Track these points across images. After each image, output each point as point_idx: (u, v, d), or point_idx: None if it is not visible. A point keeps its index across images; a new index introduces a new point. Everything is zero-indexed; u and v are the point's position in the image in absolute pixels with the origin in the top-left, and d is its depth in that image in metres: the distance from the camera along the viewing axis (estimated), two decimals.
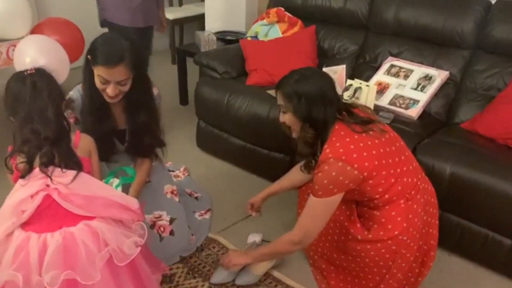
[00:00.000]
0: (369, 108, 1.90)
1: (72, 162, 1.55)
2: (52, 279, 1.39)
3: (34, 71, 1.59)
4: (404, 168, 1.75)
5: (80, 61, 1.95)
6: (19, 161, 1.53)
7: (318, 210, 1.75)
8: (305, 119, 1.72)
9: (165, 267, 1.97)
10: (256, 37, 3.31)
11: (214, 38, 3.52)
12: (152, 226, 2.11)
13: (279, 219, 2.38)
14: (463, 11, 2.62)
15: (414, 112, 2.53)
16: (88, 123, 1.97)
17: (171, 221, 2.15)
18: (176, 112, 3.71)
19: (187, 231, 2.22)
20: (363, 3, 2.97)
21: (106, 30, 2.92)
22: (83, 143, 1.65)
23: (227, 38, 3.62)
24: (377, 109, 2.57)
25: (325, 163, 1.65)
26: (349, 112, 1.75)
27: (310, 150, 1.81)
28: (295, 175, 2.13)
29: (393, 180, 1.71)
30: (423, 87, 2.60)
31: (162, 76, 3.47)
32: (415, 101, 2.56)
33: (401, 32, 2.84)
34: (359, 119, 1.74)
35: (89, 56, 1.86)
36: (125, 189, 2.05)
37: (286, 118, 1.78)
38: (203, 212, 2.48)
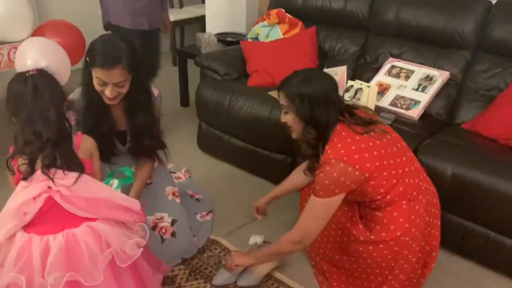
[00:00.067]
0: (370, 109, 1.90)
1: (74, 164, 1.55)
2: (55, 280, 1.39)
3: (35, 72, 1.58)
4: (406, 169, 1.75)
5: (81, 63, 1.95)
6: (21, 162, 1.53)
7: (319, 210, 1.75)
8: (308, 120, 1.72)
9: (166, 267, 1.97)
10: (256, 38, 3.31)
11: (215, 39, 3.52)
12: (154, 227, 2.11)
13: (280, 220, 2.38)
14: (464, 12, 2.62)
15: (415, 113, 2.52)
16: (88, 125, 1.97)
17: (173, 222, 2.15)
18: (177, 114, 3.72)
19: (188, 233, 2.22)
20: (364, 4, 2.97)
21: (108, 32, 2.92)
22: (84, 145, 1.65)
23: (228, 40, 3.62)
24: (378, 110, 2.57)
25: (327, 164, 1.65)
26: (350, 113, 1.75)
27: (313, 152, 1.81)
28: (297, 177, 2.14)
29: (394, 181, 1.71)
30: (424, 87, 2.60)
31: (163, 78, 3.47)
32: (416, 102, 2.56)
33: (401, 33, 2.84)
34: (361, 120, 1.74)
35: (87, 58, 1.86)
36: (125, 190, 2.05)
37: (288, 118, 1.78)
38: (204, 213, 2.48)
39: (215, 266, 2.15)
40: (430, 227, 1.86)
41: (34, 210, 1.48)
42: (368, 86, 2.55)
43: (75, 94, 2.00)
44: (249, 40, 3.32)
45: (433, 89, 2.58)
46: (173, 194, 2.25)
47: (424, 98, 2.56)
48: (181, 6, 5.04)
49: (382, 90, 2.67)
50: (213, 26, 3.92)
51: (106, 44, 1.84)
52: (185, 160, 3.00)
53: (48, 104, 1.54)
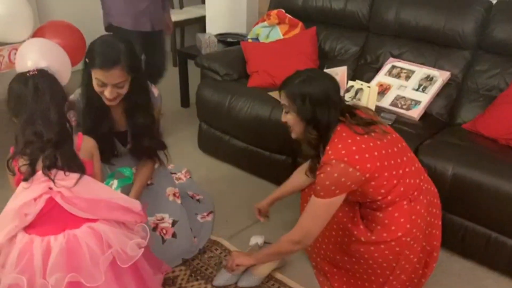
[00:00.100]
0: (370, 110, 1.90)
1: (75, 165, 1.55)
2: (57, 281, 1.39)
3: (36, 72, 1.58)
4: (407, 169, 1.75)
5: (81, 64, 1.95)
6: (22, 163, 1.53)
7: (320, 211, 1.75)
8: (309, 121, 1.72)
9: (167, 268, 1.97)
10: (257, 39, 3.31)
11: (215, 40, 3.52)
12: (154, 228, 2.11)
13: (281, 221, 2.38)
14: (464, 12, 2.62)
15: (415, 113, 2.52)
16: (88, 126, 1.97)
17: (173, 223, 2.15)
18: (177, 115, 3.72)
19: (189, 234, 2.22)
20: (364, 4, 2.97)
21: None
22: (85, 146, 1.64)
23: (228, 40, 3.62)
24: (379, 110, 2.57)
25: (327, 164, 1.65)
26: (351, 114, 1.75)
27: (314, 152, 1.81)
28: (298, 178, 2.14)
29: (395, 181, 1.71)
30: (425, 88, 2.60)
31: (164, 79, 3.48)
32: (417, 102, 2.56)
33: (402, 33, 2.84)
34: (361, 120, 1.74)
35: (86, 59, 1.86)
36: (125, 190, 2.05)
37: (289, 118, 1.78)
38: (205, 214, 2.48)
39: (216, 267, 2.15)
40: (431, 227, 1.86)
41: (35, 211, 1.48)
42: (369, 87, 2.55)
43: (75, 95, 2.00)
44: (250, 40, 3.32)
45: (433, 89, 2.58)
46: (174, 195, 2.25)
47: (425, 98, 2.56)
48: (181, 6, 5.04)
49: (383, 90, 2.67)
50: (213, 27, 3.92)
51: (105, 45, 1.84)
52: (186, 161, 3.00)
53: (48, 104, 1.54)
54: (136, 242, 1.55)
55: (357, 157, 1.64)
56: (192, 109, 3.59)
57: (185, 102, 3.86)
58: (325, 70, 2.82)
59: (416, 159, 1.87)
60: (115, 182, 2.11)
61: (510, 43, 2.50)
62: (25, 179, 1.52)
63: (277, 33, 3.21)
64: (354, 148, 1.66)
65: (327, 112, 1.70)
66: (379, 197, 1.72)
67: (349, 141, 1.67)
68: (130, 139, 2.12)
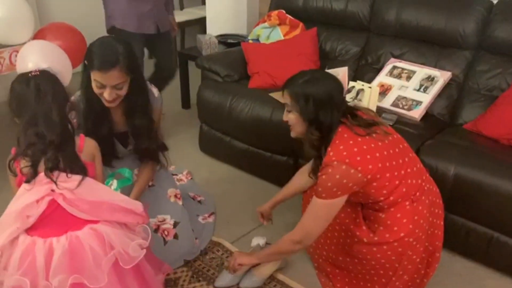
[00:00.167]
0: (371, 110, 1.90)
1: (77, 167, 1.55)
2: (60, 283, 1.38)
3: (38, 73, 1.58)
4: (408, 170, 1.74)
5: (81, 67, 1.96)
6: (24, 165, 1.53)
7: (321, 212, 1.74)
8: (311, 121, 1.72)
9: (168, 268, 1.97)
10: (257, 40, 3.32)
11: (216, 41, 3.52)
12: (156, 230, 2.11)
13: (283, 222, 2.38)
14: (465, 12, 2.62)
15: (417, 113, 2.52)
16: (88, 127, 1.97)
17: (175, 224, 2.15)
18: (178, 116, 3.72)
19: (191, 235, 2.22)
20: (365, 5, 2.97)
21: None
22: (87, 147, 1.64)
23: (229, 41, 3.62)
24: (380, 110, 2.57)
25: (329, 166, 1.65)
26: (352, 115, 1.75)
27: (316, 153, 1.81)
28: (300, 180, 2.14)
29: (397, 182, 1.71)
30: (426, 88, 2.60)
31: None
32: (418, 102, 2.56)
33: (403, 34, 2.84)
34: (363, 121, 1.74)
35: (85, 61, 1.86)
36: (125, 191, 2.05)
37: (290, 117, 1.78)
38: (206, 215, 2.48)
39: (218, 268, 2.15)
40: (433, 227, 1.86)
41: (37, 213, 1.48)
42: (370, 87, 2.55)
43: (75, 98, 2.00)
44: (250, 41, 3.32)
45: (434, 89, 2.58)
46: (175, 196, 2.25)
47: (426, 98, 2.56)
48: (181, 8, 5.04)
49: (384, 90, 2.67)
50: (214, 28, 3.92)
51: (103, 47, 1.84)
52: (187, 162, 3.00)
53: (51, 105, 1.53)
54: (138, 243, 1.55)
55: (358, 158, 1.64)
56: (193, 110, 3.59)
57: (186, 103, 3.86)
58: (326, 71, 2.82)
59: (417, 160, 1.87)
60: (114, 182, 2.11)
61: (511, 43, 2.50)
62: (27, 181, 1.51)
63: (278, 34, 3.21)
64: (355, 149, 1.65)
65: (330, 114, 1.70)
66: (381, 198, 1.72)
67: (351, 142, 1.67)
68: (131, 140, 2.12)
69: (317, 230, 1.79)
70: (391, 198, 1.71)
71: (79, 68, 1.95)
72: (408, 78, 2.67)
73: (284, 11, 3.24)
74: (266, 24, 3.28)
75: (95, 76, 1.82)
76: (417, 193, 1.75)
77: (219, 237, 2.35)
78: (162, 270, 1.92)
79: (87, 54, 1.85)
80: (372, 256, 1.80)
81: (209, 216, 2.48)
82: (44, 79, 1.57)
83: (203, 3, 4.48)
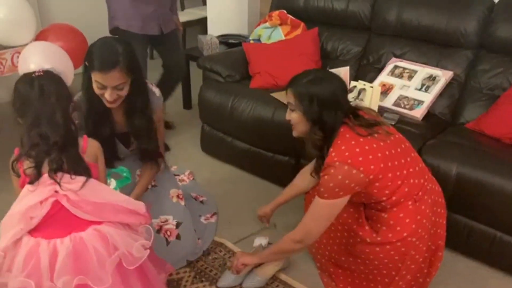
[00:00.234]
0: (373, 110, 1.90)
1: (81, 168, 1.54)
2: (65, 284, 1.38)
3: (42, 73, 1.57)
4: (411, 170, 1.75)
5: (82, 68, 1.96)
6: (27, 166, 1.52)
7: (323, 212, 1.75)
8: (315, 121, 1.72)
9: (170, 267, 1.98)
10: (259, 40, 3.32)
11: (217, 41, 3.52)
12: (159, 230, 2.11)
13: (285, 222, 2.38)
14: (466, 11, 2.62)
15: (418, 113, 2.52)
16: (90, 129, 1.97)
17: (177, 225, 2.15)
18: (180, 116, 3.72)
19: (193, 235, 2.22)
20: (366, 5, 2.98)
21: None
22: (90, 148, 1.64)
23: (230, 42, 3.62)
24: (382, 110, 2.57)
25: (331, 166, 1.65)
26: (354, 115, 1.75)
27: (319, 153, 1.81)
28: (301, 181, 2.14)
29: (399, 182, 1.71)
30: (427, 87, 2.60)
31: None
32: (420, 102, 2.56)
33: (404, 33, 2.84)
34: (364, 121, 1.74)
35: (86, 62, 1.86)
36: (125, 191, 2.05)
37: (294, 117, 1.78)
38: (208, 215, 2.48)
39: (220, 268, 2.15)
40: (436, 226, 1.86)
41: (41, 214, 1.48)
42: (371, 87, 2.55)
43: (77, 99, 2.00)
44: (251, 41, 3.32)
45: (436, 89, 2.58)
46: (178, 196, 2.25)
47: (428, 98, 2.56)
48: (182, 8, 5.05)
49: (385, 90, 2.67)
50: (215, 28, 3.93)
51: (103, 48, 1.84)
52: (189, 163, 3.01)
53: (54, 106, 1.52)
54: (141, 243, 1.55)
55: (360, 158, 1.64)
56: (194, 110, 3.59)
57: (187, 104, 3.86)
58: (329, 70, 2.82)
59: (419, 159, 1.87)
60: (112, 182, 2.11)
61: None
62: (31, 182, 1.51)
63: (279, 34, 3.21)
64: (357, 149, 1.65)
65: (334, 114, 1.70)
66: (384, 198, 1.72)
67: (353, 142, 1.67)
68: (133, 141, 2.12)
69: (318, 230, 1.79)
70: (394, 198, 1.72)
71: (81, 69, 1.96)
72: (410, 77, 2.67)
73: (285, 11, 3.24)
74: (267, 24, 3.28)
75: (96, 77, 1.83)
76: (420, 193, 1.75)
77: (221, 237, 2.35)
78: (165, 269, 1.92)
79: (88, 55, 1.85)
80: (375, 256, 1.80)
81: (211, 217, 2.48)
82: (48, 80, 1.56)
83: (204, 3, 4.48)
